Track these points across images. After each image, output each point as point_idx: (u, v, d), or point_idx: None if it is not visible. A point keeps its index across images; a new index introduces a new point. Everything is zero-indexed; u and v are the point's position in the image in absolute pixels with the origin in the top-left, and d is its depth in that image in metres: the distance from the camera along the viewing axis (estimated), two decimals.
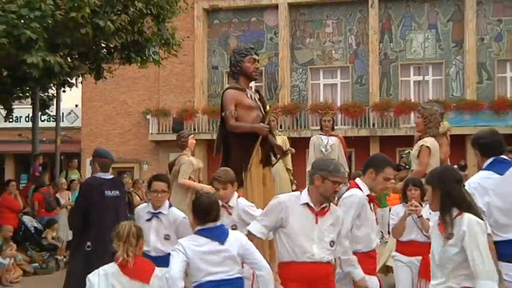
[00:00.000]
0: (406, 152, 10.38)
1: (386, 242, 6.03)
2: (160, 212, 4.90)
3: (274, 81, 22.41)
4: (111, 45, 11.51)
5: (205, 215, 3.81)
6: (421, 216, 5.12)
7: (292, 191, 9.71)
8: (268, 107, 7.39)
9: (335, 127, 9.43)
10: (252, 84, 7.79)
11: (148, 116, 23.25)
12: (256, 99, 7.32)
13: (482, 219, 3.33)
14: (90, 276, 3.84)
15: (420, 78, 21.08)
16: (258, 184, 7.00)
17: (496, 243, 3.76)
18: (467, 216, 3.26)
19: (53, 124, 17.30)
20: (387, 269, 6.99)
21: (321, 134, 8.96)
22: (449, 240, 3.30)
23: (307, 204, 3.77)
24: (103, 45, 11.84)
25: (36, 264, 10.09)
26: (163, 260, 4.27)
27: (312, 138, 9.10)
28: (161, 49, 12.69)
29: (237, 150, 7.03)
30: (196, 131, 21.03)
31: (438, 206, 3.40)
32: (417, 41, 21.53)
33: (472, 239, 3.19)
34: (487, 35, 21.21)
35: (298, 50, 22.74)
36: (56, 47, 10.00)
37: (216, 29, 23.43)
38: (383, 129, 21.13)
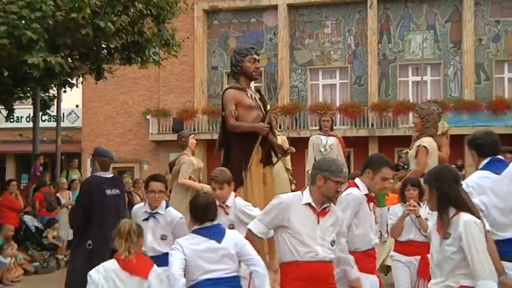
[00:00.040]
0: (404, 151, 10.37)
1: (385, 241, 6.03)
2: (157, 212, 4.89)
3: (273, 82, 22.41)
4: (112, 46, 11.52)
5: (203, 215, 3.85)
6: (420, 216, 5.11)
7: (292, 190, 9.72)
8: (268, 107, 7.39)
9: (334, 127, 9.43)
10: (252, 84, 7.78)
11: (148, 116, 23.24)
12: (257, 98, 7.32)
13: (480, 218, 3.33)
14: (91, 272, 3.88)
15: (418, 78, 21.07)
16: (258, 183, 7.00)
17: (494, 242, 3.76)
18: (464, 217, 3.25)
19: (53, 124, 17.29)
20: (387, 269, 6.98)
21: (320, 134, 8.96)
22: (447, 240, 3.30)
23: (309, 204, 3.75)
24: (103, 45, 11.84)
25: (37, 264, 10.09)
26: (159, 260, 4.28)
27: (311, 138, 9.10)
28: (161, 50, 12.69)
29: (237, 149, 7.03)
30: (196, 131, 21.01)
31: (435, 206, 3.40)
32: (415, 41, 21.53)
33: (470, 239, 3.18)
34: (485, 35, 21.21)
35: (298, 51, 22.74)
36: (56, 47, 10.00)
37: (216, 30, 23.43)
38: (382, 129, 21.13)
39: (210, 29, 23.46)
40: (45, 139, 19.72)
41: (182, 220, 4.91)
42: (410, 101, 20.95)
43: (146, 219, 4.82)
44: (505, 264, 3.77)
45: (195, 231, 3.85)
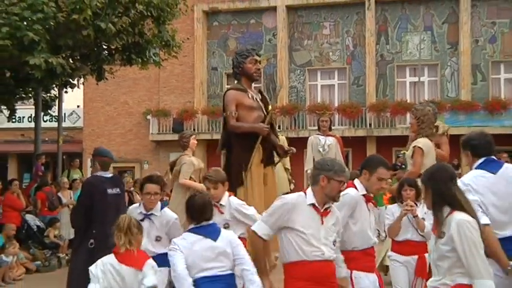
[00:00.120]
0: (402, 152, 10.39)
1: (383, 240, 6.03)
2: (152, 214, 4.88)
3: (272, 82, 22.40)
4: (113, 47, 11.51)
5: (200, 215, 3.89)
6: (417, 215, 5.11)
7: (291, 190, 9.73)
8: (270, 108, 7.39)
9: (332, 127, 9.43)
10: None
11: (148, 117, 23.24)
12: (258, 99, 7.32)
13: (475, 216, 3.32)
14: (90, 268, 3.92)
15: (416, 79, 21.07)
16: (258, 183, 6.99)
17: None
18: (456, 216, 3.23)
19: (55, 124, 17.28)
20: (386, 268, 6.98)
21: (318, 134, 8.96)
22: (441, 239, 3.30)
23: (313, 204, 3.74)
24: (104, 46, 11.83)
25: (39, 262, 10.09)
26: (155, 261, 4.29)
27: (309, 138, 9.10)
28: (161, 51, 12.68)
29: (238, 149, 7.03)
30: (196, 131, 20.99)
31: (431, 205, 3.40)
32: (413, 42, 21.53)
33: (463, 239, 3.17)
34: (481, 37, 21.22)
35: (296, 52, 22.75)
36: (58, 48, 9.99)
37: (216, 31, 23.42)
38: (379, 130, 21.14)
39: (210, 30, 23.46)
40: (46, 139, 19.72)
41: (177, 221, 4.93)
42: (408, 101, 20.96)
43: (141, 220, 4.81)
44: None
45: (191, 230, 3.89)
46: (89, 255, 5.39)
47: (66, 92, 15.74)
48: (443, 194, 3.33)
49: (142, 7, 10.53)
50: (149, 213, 4.88)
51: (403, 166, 8.49)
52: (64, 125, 18.36)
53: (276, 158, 7.58)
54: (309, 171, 8.44)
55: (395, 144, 19.29)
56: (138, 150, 23.79)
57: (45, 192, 11.74)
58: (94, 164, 6.02)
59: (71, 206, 11.49)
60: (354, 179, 4.29)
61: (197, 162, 7.47)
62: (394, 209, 5.31)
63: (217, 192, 4.74)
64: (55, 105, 16.46)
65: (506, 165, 4.10)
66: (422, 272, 5.13)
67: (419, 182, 5.38)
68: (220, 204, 4.76)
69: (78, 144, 24.21)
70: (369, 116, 21.34)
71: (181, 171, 7.22)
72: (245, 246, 4.13)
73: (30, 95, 14.73)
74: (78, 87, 15.56)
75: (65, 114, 20.10)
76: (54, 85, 13.76)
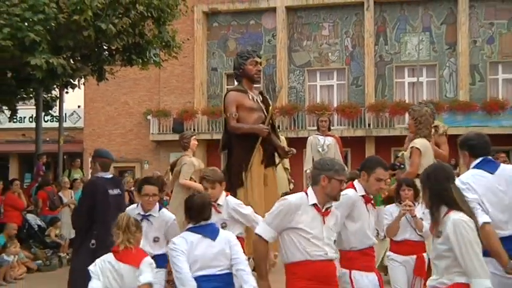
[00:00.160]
0: (401, 152, 10.39)
1: (382, 239, 6.03)
2: (150, 215, 4.88)
3: (272, 83, 22.40)
4: (113, 48, 11.51)
5: (198, 214, 3.91)
6: (415, 215, 5.11)
7: (290, 189, 9.73)
8: (271, 109, 7.41)
9: (331, 127, 9.45)
10: None
11: (149, 117, 23.24)
12: (259, 100, 7.33)
13: (473, 215, 3.32)
14: (90, 267, 3.94)
15: (414, 79, 21.08)
16: (258, 184, 7.00)
17: None
18: (453, 216, 3.23)
19: (56, 124, 17.27)
20: (386, 268, 6.98)
21: (317, 134, 8.97)
22: (439, 239, 3.31)
23: (315, 205, 3.73)
24: (105, 47, 11.83)
25: (40, 261, 10.09)
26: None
27: (309, 138, 9.12)
28: (162, 51, 12.68)
29: (238, 150, 7.05)
30: (196, 131, 21.00)
31: (428, 204, 3.41)
32: (411, 43, 21.54)
33: (459, 239, 3.17)
34: (479, 37, 21.23)
35: (296, 52, 22.75)
36: (59, 49, 9.99)
37: (216, 32, 23.42)
38: (378, 130, 21.14)
39: (210, 30, 23.46)
40: (47, 139, 19.73)
41: (175, 222, 4.95)
42: (407, 101, 20.96)
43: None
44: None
45: (190, 230, 3.90)
46: (90, 255, 5.38)
47: (67, 92, 15.74)
48: (441, 194, 3.33)
49: (142, 8, 10.54)
50: (147, 214, 4.87)
51: (402, 166, 8.48)
52: (65, 125, 18.35)
53: (277, 159, 7.59)
54: (308, 171, 8.45)
55: (394, 144, 19.29)
56: (139, 150, 23.79)
57: (46, 192, 11.74)
58: (94, 165, 6.03)
59: (72, 206, 11.51)
60: (353, 179, 4.30)
61: (197, 162, 7.48)
62: (392, 209, 5.30)
63: (214, 192, 4.74)
64: (56, 106, 16.46)
65: (502, 165, 4.12)
66: (421, 271, 5.13)
67: (417, 182, 5.41)
68: (218, 204, 4.77)
69: (79, 144, 24.21)
70: (367, 116, 21.34)
71: (181, 171, 7.23)
72: (242, 246, 4.14)
73: (31, 95, 14.73)
74: (79, 87, 15.55)
75: (65, 114, 20.10)
76: (55, 85, 13.75)
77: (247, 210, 4.93)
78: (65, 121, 19.50)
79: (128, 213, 4.26)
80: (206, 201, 4.01)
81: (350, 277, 4.04)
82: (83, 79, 14.50)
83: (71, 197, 11.94)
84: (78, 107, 25.52)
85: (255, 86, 7.54)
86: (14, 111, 15.05)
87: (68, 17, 9.53)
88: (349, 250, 4.07)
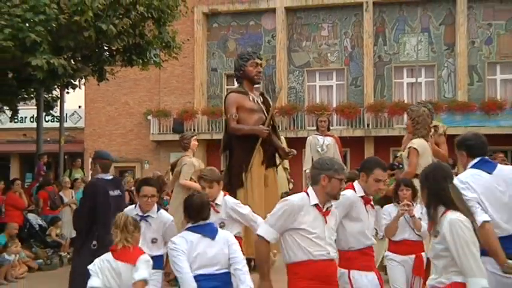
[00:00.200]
0: (399, 152, 10.40)
1: (381, 239, 6.03)
2: (149, 216, 4.86)
3: (271, 83, 22.40)
4: (114, 48, 11.52)
5: (197, 214, 3.92)
6: (414, 215, 5.11)
7: (289, 189, 9.72)
8: (272, 110, 7.42)
9: (331, 127, 9.45)
10: None
11: (149, 117, 23.23)
12: (259, 102, 7.34)
13: (471, 214, 3.32)
14: (90, 266, 3.95)
15: (413, 80, 21.07)
16: (259, 185, 7.00)
17: None
18: (449, 216, 3.23)
19: (56, 124, 17.27)
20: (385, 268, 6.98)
21: (317, 134, 8.97)
22: (436, 238, 3.31)
23: (316, 205, 3.73)
24: (105, 48, 11.83)
25: (41, 261, 10.09)
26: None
27: (308, 138, 9.12)
28: (162, 52, 12.68)
29: (238, 151, 7.06)
30: (196, 131, 21.00)
31: (426, 204, 3.41)
32: (410, 44, 21.54)
33: (455, 238, 3.17)
34: (477, 38, 21.23)
35: (295, 53, 22.75)
36: (59, 49, 9.99)
37: (215, 32, 23.42)
38: (377, 130, 21.14)
39: (210, 31, 23.46)
40: (48, 139, 19.72)
41: (173, 223, 4.94)
42: (405, 102, 20.96)
43: None
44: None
45: (189, 229, 3.91)
46: (92, 256, 5.39)
47: (67, 92, 15.75)
48: (439, 194, 3.33)
49: (143, 9, 10.54)
50: (145, 215, 4.85)
51: (401, 166, 8.48)
52: (66, 125, 18.35)
53: (278, 160, 7.60)
54: (307, 171, 8.45)
55: (392, 144, 19.27)
56: (139, 150, 23.78)
57: (47, 192, 11.74)
58: (94, 167, 6.05)
59: (73, 206, 11.51)
60: (353, 179, 4.30)
61: (198, 163, 7.49)
62: (390, 209, 5.30)
63: (212, 192, 4.74)
64: (57, 106, 16.46)
65: (500, 166, 4.13)
66: (420, 271, 5.13)
67: (415, 182, 5.41)
68: (216, 204, 4.76)
69: (80, 144, 24.21)
70: (366, 117, 21.34)
71: (181, 172, 7.24)
72: (240, 245, 4.14)
73: (32, 95, 14.72)
74: (79, 87, 15.56)
75: (66, 114, 20.10)
76: (55, 86, 13.76)
77: (246, 209, 4.93)
78: (66, 121, 19.50)
79: (126, 213, 4.26)
80: (205, 200, 4.02)
81: (349, 277, 4.04)
82: (83, 79, 14.50)
83: (72, 197, 11.95)
84: (79, 107, 25.52)
85: (256, 87, 7.55)
86: (15, 112, 15.05)
87: (68, 18, 9.53)
88: (348, 250, 4.07)
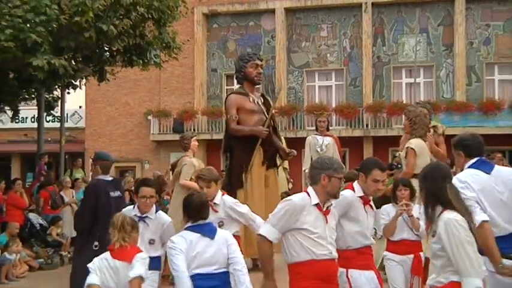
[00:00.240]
0: (398, 152, 10.42)
1: (380, 238, 6.04)
2: (147, 216, 4.84)
3: (271, 84, 22.40)
4: (114, 49, 11.51)
5: (197, 213, 3.92)
6: (412, 215, 5.10)
7: (289, 189, 9.72)
8: (273, 111, 7.42)
9: (330, 127, 9.45)
10: None
11: (149, 117, 23.23)
12: (260, 103, 7.35)
13: (469, 214, 3.31)
14: (89, 265, 3.98)
15: (412, 80, 21.09)
16: (259, 185, 7.01)
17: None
18: (445, 216, 3.23)
19: (57, 124, 17.28)
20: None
21: (316, 134, 8.98)
22: (433, 238, 3.31)
23: (317, 204, 3.73)
24: (106, 48, 11.82)
25: (42, 260, 10.09)
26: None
27: (307, 138, 9.12)
28: (162, 52, 12.67)
29: (238, 152, 7.08)
30: (196, 131, 21.00)
31: (424, 204, 3.41)
32: (409, 44, 21.54)
33: (451, 238, 3.17)
34: (475, 39, 21.24)
35: (295, 53, 22.75)
36: (60, 50, 9.98)
37: (215, 33, 23.42)
38: (376, 130, 21.15)
39: (210, 32, 23.45)
40: (49, 139, 19.70)
41: (171, 224, 4.93)
42: (404, 102, 20.96)
43: None
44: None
45: (189, 228, 3.91)
46: (93, 256, 5.39)
47: (68, 92, 15.75)
48: (436, 193, 3.33)
49: (143, 9, 10.53)
50: (144, 215, 4.84)
51: (400, 166, 8.50)
52: (66, 125, 18.35)
53: (279, 161, 7.61)
54: (307, 171, 8.45)
55: (391, 144, 19.27)
56: (139, 150, 23.78)
57: (48, 191, 11.74)
58: (95, 168, 6.08)
59: (73, 205, 11.51)
60: (352, 179, 4.30)
61: (198, 163, 7.49)
62: (389, 209, 5.28)
63: (210, 191, 4.74)
64: (57, 106, 16.45)
65: (497, 167, 4.14)
66: (418, 270, 5.13)
67: (413, 182, 5.41)
68: (214, 203, 4.77)
69: (80, 144, 24.20)
70: (365, 117, 21.35)
71: (182, 172, 7.24)
72: (239, 244, 4.14)
73: (33, 95, 14.71)
74: (80, 88, 15.55)
75: (67, 114, 20.09)
76: (56, 86, 13.74)
77: (244, 208, 4.94)
78: (67, 121, 19.49)
79: (123, 213, 4.25)
80: (204, 200, 4.03)
81: (347, 276, 4.04)
82: (84, 80, 14.50)
83: (72, 197, 11.95)
84: (80, 107, 25.51)
85: (257, 87, 7.57)
86: (16, 112, 15.03)
87: (69, 19, 9.52)
88: (346, 249, 4.07)
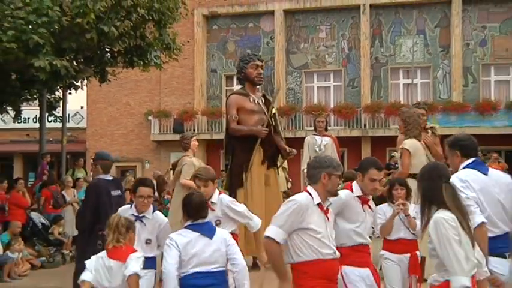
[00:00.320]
0: (394, 152, 10.44)
1: (378, 237, 6.04)
2: (144, 216, 4.81)
3: (270, 84, 22.40)
4: (115, 50, 11.51)
5: (196, 212, 3.93)
6: (409, 214, 5.10)
7: (288, 188, 9.72)
8: (274, 111, 7.44)
9: (328, 128, 9.45)
10: None
11: (150, 117, 23.23)
12: (261, 103, 7.37)
13: (465, 213, 3.31)
14: (86, 262, 4.02)
15: (409, 81, 21.09)
16: (259, 184, 7.02)
17: (491, 238, 3.79)
18: (436, 215, 3.23)
19: (59, 125, 17.28)
20: None
21: (315, 134, 8.98)
22: (429, 237, 3.31)
23: (319, 204, 3.72)
24: (107, 49, 11.82)
25: (44, 258, 10.09)
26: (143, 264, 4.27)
27: (306, 138, 9.12)
28: (162, 53, 12.67)
29: (238, 151, 7.09)
30: (196, 131, 21.00)
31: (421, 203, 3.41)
32: (406, 45, 21.55)
33: (439, 236, 3.17)
34: (472, 40, 21.25)
35: (293, 54, 22.75)
36: (62, 51, 9.98)
37: (215, 34, 23.42)
38: (374, 130, 21.15)
39: (210, 33, 23.45)
40: (51, 139, 19.70)
41: (168, 224, 4.91)
42: (402, 102, 20.97)
43: None
44: (497, 260, 3.81)
45: (188, 227, 3.92)
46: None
47: (70, 93, 15.75)
48: (432, 193, 3.33)
49: (144, 11, 10.53)
50: (141, 215, 4.81)
51: (397, 166, 8.51)
52: (68, 125, 18.36)
53: (280, 160, 7.62)
54: (305, 171, 8.45)
55: (389, 144, 19.27)
56: (140, 150, 23.78)
57: (50, 190, 11.75)
58: (95, 168, 6.10)
59: (75, 204, 11.52)
60: (350, 179, 4.30)
61: (198, 163, 7.50)
62: (385, 209, 5.27)
63: (207, 190, 4.72)
64: (59, 106, 16.44)
65: (491, 170, 4.17)
66: (415, 269, 5.13)
67: (409, 182, 5.42)
68: (212, 202, 4.76)
69: (82, 144, 24.20)
70: (363, 117, 21.35)
71: (182, 171, 7.24)
72: (236, 241, 4.15)
73: (35, 96, 14.71)
74: (81, 88, 15.54)
75: (68, 115, 20.12)
76: (58, 87, 13.72)
77: (241, 207, 4.94)
78: (68, 121, 19.51)
79: (119, 214, 4.25)
80: (204, 199, 4.04)
81: (341, 272, 4.03)
82: (85, 80, 14.50)
83: (74, 196, 11.96)
84: (81, 107, 25.50)
85: (258, 88, 7.59)
86: (18, 112, 15.03)
87: (71, 20, 9.53)
88: (340, 246, 4.05)
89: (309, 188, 3.78)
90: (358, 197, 4.16)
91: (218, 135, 20.41)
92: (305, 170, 8.48)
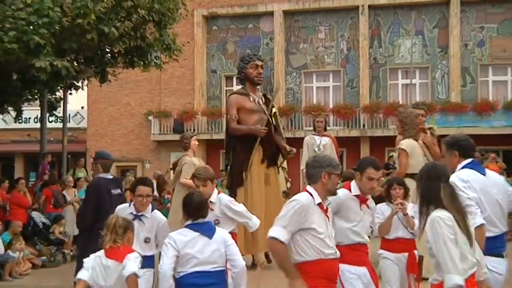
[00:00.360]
0: (391, 152, 10.46)
1: (376, 236, 6.05)
2: (143, 215, 4.82)
3: (270, 84, 22.40)
4: (115, 50, 11.52)
5: (196, 212, 3.93)
6: (407, 214, 5.11)
7: (287, 188, 9.72)
8: (274, 110, 7.45)
9: (327, 128, 9.45)
10: None
11: (150, 117, 23.22)
12: (261, 103, 7.38)
13: (463, 213, 3.31)
14: (85, 259, 4.03)
15: (408, 81, 21.10)
16: (258, 183, 7.02)
17: (490, 238, 3.80)
18: (432, 214, 3.23)
19: (60, 125, 17.27)
20: None
21: (314, 134, 8.98)
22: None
23: (319, 203, 3.71)
24: (107, 50, 11.83)
25: (44, 258, 10.10)
26: (142, 263, 4.26)
27: (305, 138, 9.12)
28: (163, 54, 12.68)
29: (238, 151, 7.10)
30: (196, 131, 20.99)
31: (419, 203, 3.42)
32: (405, 46, 21.55)
33: (434, 235, 3.17)
34: (470, 41, 21.26)
35: (293, 55, 22.75)
36: (63, 51, 9.99)
37: (215, 35, 23.41)
38: (373, 130, 21.15)
39: (209, 34, 23.45)
40: (52, 139, 19.70)
41: (166, 224, 4.93)
42: (400, 102, 20.97)
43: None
44: (495, 259, 3.82)
45: (188, 227, 3.92)
46: None
47: (70, 93, 15.76)
48: (429, 193, 3.33)
49: (144, 12, 10.54)
50: (140, 214, 4.82)
51: (396, 165, 8.52)
52: (69, 125, 18.37)
53: (281, 159, 7.63)
54: (305, 171, 8.45)
55: (388, 144, 19.27)
56: (140, 150, 23.78)
57: (51, 190, 11.75)
58: (95, 167, 6.12)
59: (76, 204, 11.52)
60: (350, 178, 4.30)
61: (198, 162, 7.50)
62: (383, 208, 5.27)
63: (206, 190, 4.72)
64: (60, 107, 16.45)
65: (488, 171, 4.17)
66: (413, 268, 5.13)
67: (406, 181, 5.42)
68: (210, 201, 4.76)
69: (82, 144, 24.19)
70: (362, 117, 21.35)
71: (182, 171, 7.25)
72: (236, 242, 4.14)
73: (36, 96, 14.72)
74: (82, 89, 15.56)
75: (69, 115, 20.12)
76: (59, 87, 13.75)
77: (240, 207, 4.94)
78: (69, 122, 19.51)
79: (117, 215, 4.25)
80: (204, 199, 4.04)
81: None
82: (86, 81, 14.51)
83: (75, 196, 11.96)
84: (82, 108, 25.48)
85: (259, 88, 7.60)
86: (19, 112, 15.04)
87: (71, 21, 9.53)
88: (337, 245, 4.05)
89: (309, 188, 3.77)
90: (356, 196, 4.16)
91: (218, 135, 20.42)
92: (304, 170, 8.52)
